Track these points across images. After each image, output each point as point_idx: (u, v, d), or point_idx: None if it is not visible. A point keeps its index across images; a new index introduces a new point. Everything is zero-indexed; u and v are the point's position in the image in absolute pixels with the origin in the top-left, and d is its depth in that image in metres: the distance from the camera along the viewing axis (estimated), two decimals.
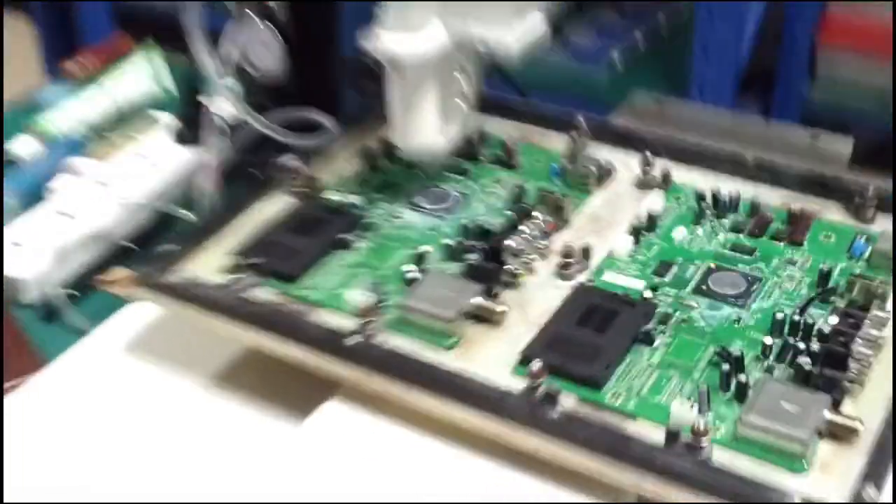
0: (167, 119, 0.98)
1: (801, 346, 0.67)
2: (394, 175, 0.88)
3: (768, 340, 0.68)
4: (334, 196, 0.85)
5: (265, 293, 0.74)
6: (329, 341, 0.69)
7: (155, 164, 0.91)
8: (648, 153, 0.85)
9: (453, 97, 0.81)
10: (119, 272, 0.77)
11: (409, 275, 0.75)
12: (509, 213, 0.82)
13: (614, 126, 0.91)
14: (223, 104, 0.90)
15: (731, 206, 0.80)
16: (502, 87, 1.05)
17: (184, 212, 0.89)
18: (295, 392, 0.71)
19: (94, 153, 0.93)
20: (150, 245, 0.84)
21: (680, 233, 0.78)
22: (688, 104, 1.09)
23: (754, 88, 1.69)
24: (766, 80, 1.67)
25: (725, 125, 1.04)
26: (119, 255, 0.86)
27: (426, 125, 0.82)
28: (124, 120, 0.96)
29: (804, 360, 0.65)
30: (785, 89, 1.66)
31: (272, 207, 0.84)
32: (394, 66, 0.78)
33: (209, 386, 0.75)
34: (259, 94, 0.97)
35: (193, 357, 0.77)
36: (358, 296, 0.74)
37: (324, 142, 0.90)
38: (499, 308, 0.72)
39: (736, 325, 0.70)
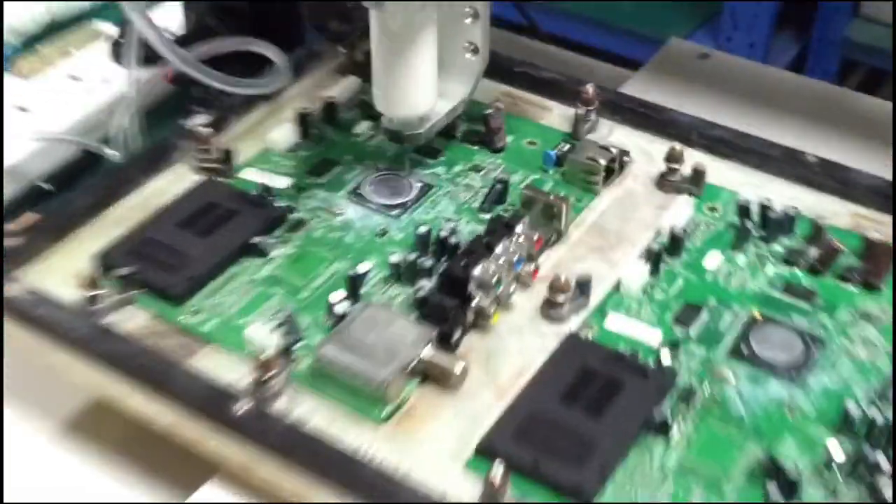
0: (111, 32, 0.81)
1: (883, 463, 0.47)
2: (337, 150, 0.67)
3: (834, 448, 0.48)
4: (254, 177, 0.64)
5: (136, 319, 0.57)
6: (210, 405, 0.52)
7: (89, 89, 0.77)
8: (677, 144, 0.63)
9: (459, 49, 0.64)
10: (29, 218, 0.62)
11: (338, 307, 0.54)
12: (485, 216, 0.61)
13: (633, 100, 0.69)
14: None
15: (784, 224, 0.61)
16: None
17: (110, 151, 0.72)
18: (167, 456, 0.55)
19: (20, 69, 0.78)
20: (73, 187, 0.70)
21: (714, 261, 0.59)
22: (739, 60, 0.87)
23: (791, 24, 1.57)
24: (804, 15, 1.55)
25: (788, 90, 0.81)
26: (34, 197, 0.72)
27: (419, 87, 0.62)
28: (60, 30, 0.83)
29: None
30: (824, 26, 1.54)
31: (170, 188, 0.63)
32: (377, 4, 0.58)
33: (55, 437, 0.58)
34: (207, 12, 0.78)
35: (38, 396, 0.57)
36: (262, 333, 0.53)
37: (267, 87, 0.68)
38: (457, 367, 0.52)
39: (787, 414, 0.50)
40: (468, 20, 0.63)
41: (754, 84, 0.82)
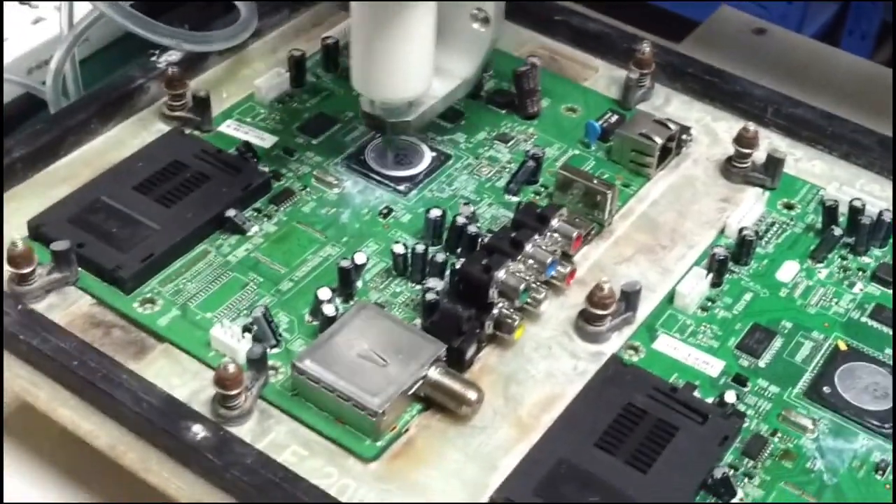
0: None
1: None
2: (337, 103, 0.56)
3: None
4: (234, 132, 0.53)
5: (74, 306, 0.47)
6: (158, 426, 0.42)
7: (39, 17, 0.66)
8: (750, 124, 0.52)
9: (465, 17, 0.52)
10: None
11: (326, 306, 0.44)
12: (512, 198, 0.50)
13: (697, 64, 0.58)
14: None
15: (878, 231, 0.49)
16: None
17: (49, 95, 0.61)
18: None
19: None
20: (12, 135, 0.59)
21: (790, 272, 0.49)
22: (798, 37, 0.75)
23: None
24: None
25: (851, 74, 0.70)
26: None
27: (410, 65, 0.49)
28: None
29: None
30: None
31: (130, 140, 0.52)
32: None
33: None
34: None
35: None
36: (231, 334, 0.43)
37: (231, 37, 0.56)
38: (469, 393, 0.41)
39: (879, 478, 0.39)
40: None
41: (820, 70, 0.70)
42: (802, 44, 0.75)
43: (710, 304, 0.47)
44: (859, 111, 0.63)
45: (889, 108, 0.65)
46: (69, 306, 0.46)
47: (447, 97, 0.53)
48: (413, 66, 0.50)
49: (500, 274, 0.44)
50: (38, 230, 0.47)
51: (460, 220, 0.48)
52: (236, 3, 0.57)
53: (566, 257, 0.47)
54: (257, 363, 0.42)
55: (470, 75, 0.54)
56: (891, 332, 0.47)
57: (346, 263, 0.46)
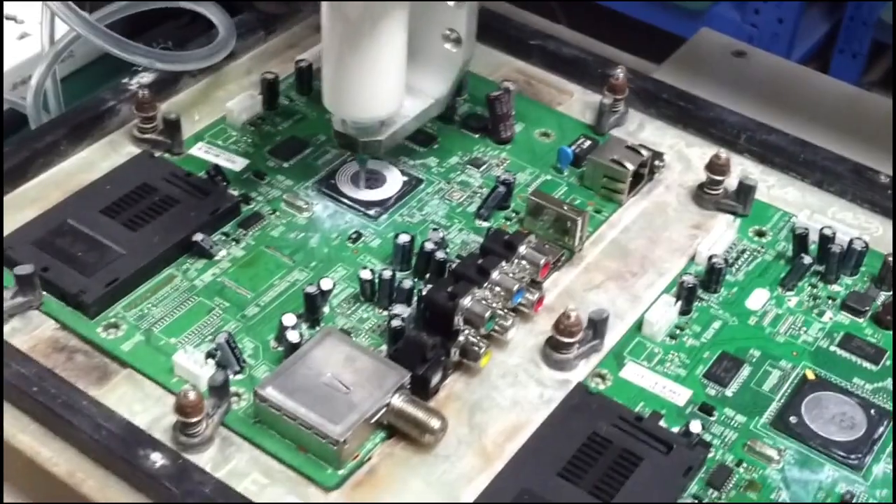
0: None
1: None
2: (309, 127, 0.56)
3: None
4: (205, 154, 0.53)
5: (38, 330, 0.47)
6: (117, 453, 0.42)
7: (24, 32, 0.66)
8: (722, 150, 0.52)
9: (437, 37, 0.52)
10: None
11: (290, 333, 0.43)
12: (483, 223, 0.50)
13: (671, 90, 0.58)
14: None
15: (848, 259, 0.50)
16: None
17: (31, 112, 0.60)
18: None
19: None
20: None
21: (759, 300, 0.49)
22: (778, 60, 0.74)
23: (823, 1, 1.48)
24: None
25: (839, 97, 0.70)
26: None
27: (381, 84, 0.49)
28: None
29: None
30: (857, 5, 1.43)
31: (100, 162, 0.52)
32: None
33: None
34: None
35: None
36: (194, 360, 0.42)
37: (206, 57, 0.56)
38: (433, 421, 0.41)
39: None
40: (451, 3, 0.51)
41: (798, 93, 0.70)
42: (782, 67, 0.75)
43: (678, 331, 0.47)
44: (836, 134, 0.63)
45: (867, 130, 0.65)
46: (32, 331, 0.45)
47: (419, 117, 0.53)
48: (384, 85, 0.49)
49: (466, 301, 0.44)
50: (3, 252, 0.47)
51: (429, 245, 0.48)
52: (215, 22, 0.57)
53: (535, 284, 0.47)
54: (219, 390, 0.42)
55: (442, 95, 0.54)
56: (859, 362, 0.47)
57: (311, 289, 0.46)
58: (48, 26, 0.58)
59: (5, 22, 0.67)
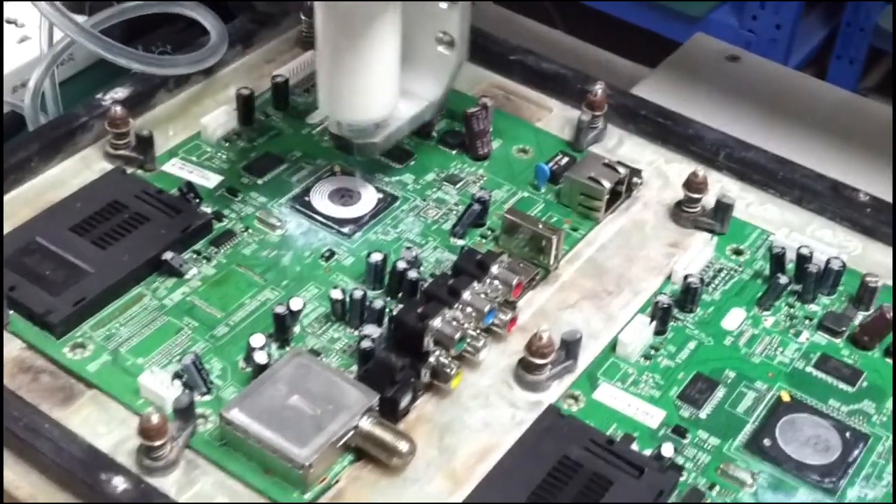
0: None
1: None
2: (284, 143, 0.56)
3: None
4: (177, 171, 0.52)
5: (6, 350, 0.47)
6: (79, 475, 0.41)
7: (24, 36, 0.65)
8: (700, 168, 0.52)
9: (430, 40, 0.52)
10: None
11: (258, 355, 0.43)
12: (458, 242, 0.49)
13: (649, 106, 0.57)
14: None
15: (826, 278, 0.49)
16: None
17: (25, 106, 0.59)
18: None
19: None
20: None
21: (735, 319, 0.48)
22: (771, 65, 0.74)
23: (821, 7, 1.48)
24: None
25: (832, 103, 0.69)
26: None
27: (376, 86, 0.49)
28: None
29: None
30: (854, 11, 1.43)
31: (70, 180, 0.52)
32: None
33: None
34: None
35: None
36: (161, 381, 0.42)
37: (198, 62, 0.56)
38: (401, 444, 0.41)
39: None
40: (444, 4, 0.50)
41: (793, 97, 0.70)
42: (775, 71, 0.74)
43: (653, 352, 0.47)
44: (830, 138, 0.62)
45: (864, 136, 0.64)
46: None
47: (414, 119, 0.53)
48: (379, 87, 0.49)
49: (436, 322, 0.43)
50: None
51: (401, 264, 0.47)
52: (206, 26, 0.57)
53: (508, 304, 0.47)
54: (184, 412, 0.41)
55: (436, 98, 0.54)
56: (836, 383, 0.46)
57: (281, 310, 0.45)
58: (47, 29, 0.58)
59: (6, 25, 0.67)
